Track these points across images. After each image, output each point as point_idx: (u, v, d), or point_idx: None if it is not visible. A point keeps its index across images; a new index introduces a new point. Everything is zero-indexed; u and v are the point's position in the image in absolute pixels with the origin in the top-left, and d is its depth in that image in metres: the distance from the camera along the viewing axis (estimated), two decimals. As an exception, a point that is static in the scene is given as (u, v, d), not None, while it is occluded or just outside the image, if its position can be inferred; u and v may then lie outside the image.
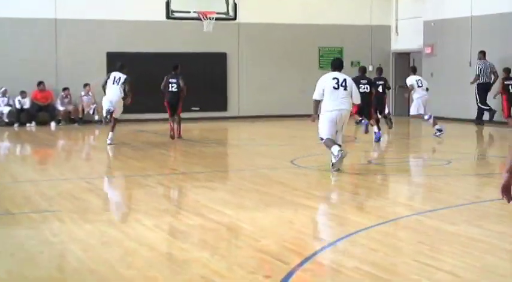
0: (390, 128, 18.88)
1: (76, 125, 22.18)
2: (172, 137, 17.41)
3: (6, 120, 21.85)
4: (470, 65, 21.99)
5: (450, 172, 11.99)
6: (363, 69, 17.40)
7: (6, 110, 21.88)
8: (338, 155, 11.31)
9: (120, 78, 16.56)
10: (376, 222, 7.75)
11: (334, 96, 11.52)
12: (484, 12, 21.89)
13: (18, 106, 21.97)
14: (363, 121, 17.57)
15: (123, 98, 16.64)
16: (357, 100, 11.97)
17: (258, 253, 6.54)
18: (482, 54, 21.15)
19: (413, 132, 20.60)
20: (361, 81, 16.46)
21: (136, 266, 6.13)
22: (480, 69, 21.05)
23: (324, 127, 11.56)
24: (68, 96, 22.38)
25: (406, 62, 25.70)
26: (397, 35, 26.08)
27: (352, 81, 12.03)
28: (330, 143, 11.49)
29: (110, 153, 15.50)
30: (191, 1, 19.60)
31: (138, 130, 20.39)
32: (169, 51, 23.21)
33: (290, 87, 24.43)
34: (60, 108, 22.31)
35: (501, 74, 20.36)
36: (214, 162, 13.71)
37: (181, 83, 17.42)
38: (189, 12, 19.78)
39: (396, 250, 6.65)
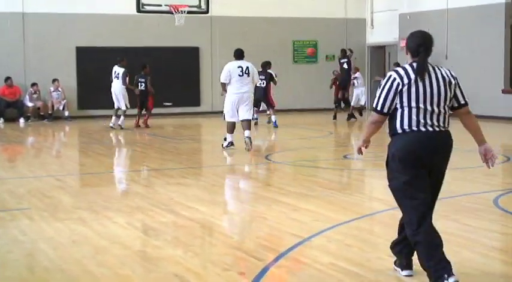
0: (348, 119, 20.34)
1: (45, 121, 21.90)
2: (137, 126, 19.28)
3: (-26, 117, 21.56)
4: (446, 58, 22.03)
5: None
6: (265, 64, 19.68)
7: (-27, 107, 21.58)
8: (227, 144, 14.01)
9: (118, 73, 18.96)
10: (352, 218, 7.69)
11: (239, 82, 13.73)
12: (460, 5, 21.95)
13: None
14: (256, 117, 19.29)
15: (127, 89, 19.05)
16: (257, 81, 14.65)
17: (231, 250, 6.45)
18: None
19: (387, 126, 20.62)
20: (260, 76, 17.42)
21: (108, 264, 6.01)
22: None
23: (228, 108, 13.94)
24: (37, 92, 22.10)
25: (382, 55, 25.75)
26: (372, 28, 26.11)
27: (253, 67, 14.18)
28: (229, 128, 13.97)
29: (81, 150, 15.29)
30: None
31: (109, 126, 20.16)
32: (140, 45, 23.03)
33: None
34: (29, 104, 22.02)
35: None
36: (188, 159, 13.58)
37: (148, 84, 19.17)
38: (160, 5, 19.63)
39: (372, 246, 6.59)
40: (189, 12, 20.02)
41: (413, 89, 5.18)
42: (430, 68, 5.26)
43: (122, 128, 18.95)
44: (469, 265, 5.92)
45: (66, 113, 22.32)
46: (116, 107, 19.26)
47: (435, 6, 22.85)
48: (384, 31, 25.28)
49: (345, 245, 6.52)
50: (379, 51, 25.94)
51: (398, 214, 7.93)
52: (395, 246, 5.78)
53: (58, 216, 7.91)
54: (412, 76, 5.18)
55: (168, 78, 22.97)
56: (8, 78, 21.65)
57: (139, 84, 19.16)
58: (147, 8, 19.76)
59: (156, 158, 13.83)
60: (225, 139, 14.16)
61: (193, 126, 21.28)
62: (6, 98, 21.73)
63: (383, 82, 5.35)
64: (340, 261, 6.01)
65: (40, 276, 5.80)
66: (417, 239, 5.28)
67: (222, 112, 20.75)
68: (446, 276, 5.06)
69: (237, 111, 13.82)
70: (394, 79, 5.22)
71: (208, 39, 24.16)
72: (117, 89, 19.05)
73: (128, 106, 19.19)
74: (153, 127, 19.51)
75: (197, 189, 9.82)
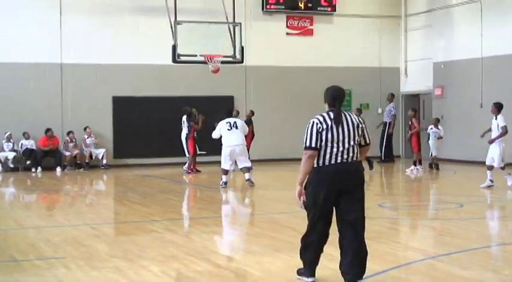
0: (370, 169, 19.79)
1: (82, 170, 22.08)
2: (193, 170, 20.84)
3: (12, 165, 21.80)
4: (481, 106, 21.89)
5: (463, 215, 11.83)
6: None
7: (11, 155, 21.82)
8: (221, 184, 16.00)
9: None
10: (388, 267, 7.60)
11: (229, 135, 15.88)
12: (494, 53, 21.85)
13: (22, 148, 21.87)
14: None
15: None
16: (245, 132, 16.65)
17: (267, 300, 6.39)
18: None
19: (424, 175, 20.44)
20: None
21: (142, 314, 5.98)
22: None
23: (223, 159, 16.05)
24: (73, 140, 22.33)
25: (416, 104, 25.66)
26: (406, 76, 26.08)
27: (242, 122, 16.61)
28: (223, 172, 16.02)
29: (116, 199, 15.38)
30: (197, 45, 19.66)
31: (145, 175, 20.29)
32: (176, 95, 23.24)
33: (299, 131, 24.17)
34: (66, 153, 22.24)
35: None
36: (223, 207, 13.55)
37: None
38: (195, 55, 19.82)
39: (409, 296, 6.48)
40: (224, 62, 20.19)
41: (329, 133, 6.61)
42: (344, 115, 6.70)
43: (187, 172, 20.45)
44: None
45: (104, 161, 22.48)
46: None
47: (469, 55, 22.78)
48: (418, 79, 25.23)
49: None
50: (413, 99, 25.86)
51: (436, 264, 7.85)
52: None
53: (94, 265, 7.94)
54: (329, 122, 6.65)
55: (203, 127, 23.12)
56: (48, 130, 21.93)
57: (185, 128, 20.63)
58: (183, 58, 19.98)
59: (191, 207, 13.85)
60: (221, 178, 16.09)
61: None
62: (46, 148, 21.98)
63: (308, 126, 6.72)
64: (377, 311, 5.92)
65: (76, 325, 5.80)
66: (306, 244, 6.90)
67: (257, 160, 20.96)
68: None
69: (236, 161, 16.06)
70: (316, 123, 6.67)
71: (242, 88, 24.33)
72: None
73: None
74: (188, 175, 19.61)
75: (232, 238, 9.79)
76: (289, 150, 23.45)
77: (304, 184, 6.76)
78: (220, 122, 16.15)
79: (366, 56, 25.56)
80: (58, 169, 21.93)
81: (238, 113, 21.38)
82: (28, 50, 22.01)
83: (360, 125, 6.76)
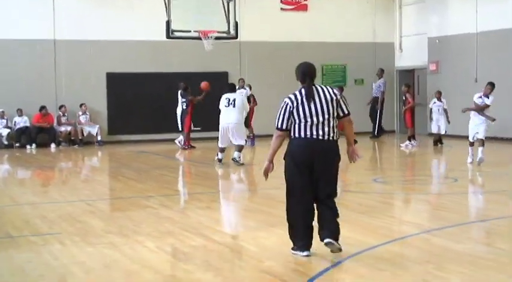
0: None
1: (76, 146, 22.06)
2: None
3: (6, 142, 21.75)
4: (476, 81, 21.88)
5: (457, 190, 11.87)
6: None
7: (5, 132, 21.77)
8: (216, 161, 15.90)
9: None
10: (383, 241, 7.63)
11: (225, 112, 15.69)
12: (489, 28, 21.80)
13: (16, 126, 21.83)
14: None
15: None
16: (246, 109, 16.74)
17: (262, 274, 6.43)
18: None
19: (418, 150, 20.47)
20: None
21: (138, 289, 6.02)
22: None
23: (220, 136, 15.80)
24: (65, 114, 22.27)
25: (411, 79, 25.63)
26: (401, 52, 26.04)
27: (242, 98, 16.23)
28: (220, 149, 15.89)
29: (111, 175, 15.39)
30: (191, 20, 19.56)
31: (139, 151, 20.29)
32: (169, 71, 23.18)
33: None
34: (61, 129, 22.20)
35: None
36: (218, 183, 13.58)
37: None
38: (189, 31, 19.72)
39: (404, 269, 6.52)
40: (218, 38, 20.09)
41: (300, 108, 6.80)
42: (316, 89, 6.87)
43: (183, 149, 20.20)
44: (502, 289, 5.85)
45: (99, 138, 22.46)
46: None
47: (464, 30, 22.73)
48: (413, 55, 25.19)
49: (376, 269, 6.47)
50: (408, 75, 25.84)
51: (430, 238, 7.89)
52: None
53: (89, 241, 7.96)
54: (299, 98, 6.85)
55: (197, 103, 23.08)
56: (43, 108, 21.86)
57: (182, 104, 20.39)
58: (177, 34, 19.87)
59: (186, 182, 13.87)
60: (217, 155, 16.00)
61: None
62: (40, 125, 21.94)
63: (280, 106, 6.94)
64: (371, 285, 5.97)
65: (72, 300, 5.83)
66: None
67: (249, 137, 20.94)
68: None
69: (230, 138, 15.70)
70: (286, 103, 6.91)
71: (237, 64, 24.27)
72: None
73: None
74: (182, 151, 19.63)
75: (227, 213, 9.82)
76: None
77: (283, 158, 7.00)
78: (222, 96, 16.02)
79: (360, 31, 25.48)
80: (52, 146, 21.91)
81: (243, 82, 21.59)
82: (21, 27, 21.89)
83: (335, 97, 6.87)
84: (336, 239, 6.80)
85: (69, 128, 22.32)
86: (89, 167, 18.38)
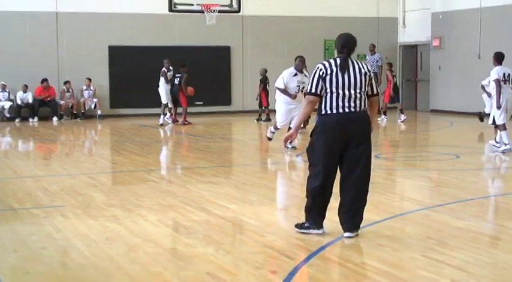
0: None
1: (78, 119, 22.09)
2: (174, 121, 20.40)
3: (8, 115, 21.75)
4: (479, 57, 21.80)
5: (459, 166, 11.88)
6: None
7: (7, 105, 21.76)
8: (269, 135, 14.33)
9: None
10: (383, 217, 7.65)
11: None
12: (493, 4, 21.67)
13: (19, 102, 21.85)
14: None
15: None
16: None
17: (263, 248, 6.45)
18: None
19: (420, 126, 20.48)
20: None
21: (140, 262, 6.05)
22: None
23: (283, 115, 14.01)
24: (70, 90, 22.27)
25: (414, 55, 25.54)
26: (404, 27, 25.90)
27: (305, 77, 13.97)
28: (276, 128, 14.26)
29: (113, 148, 15.40)
30: (194, -7, 19.49)
31: (141, 125, 20.30)
32: (172, 45, 23.11)
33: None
34: (61, 102, 22.20)
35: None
36: (219, 157, 13.61)
37: (182, 82, 20.00)
38: (192, 5, 19.65)
39: (404, 245, 6.54)
40: (220, 11, 20.02)
41: (333, 78, 6.56)
42: (351, 62, 6.69)
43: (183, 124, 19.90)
44: (503, 266, 5.87)
45: (99, 112, 22.47)
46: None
47: (468, 5, 22.60)
48: (416, 30, 25.05)
49: (376, 245, 6.49)
50: (411, 50, 25.74)
51: (431, 214, 7.90)
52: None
53: (91, 214, 7.99)
54: (334, 68, 6.60)
55: (199, 78, 23.03)
56: (44, 80, 21.84)
57: (175, 79, 20.09)
58: (179, 7, 19.81)
59: (188, 157, 13.88)
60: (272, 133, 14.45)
61: (224, 125, 21.32)
62: (42, 98, 21.92)
63: (313, 71, 6.67)
64: (372, 260, 5.99)
65: (74, 273, 5.86)
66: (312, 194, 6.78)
67: (254, 111, 20.91)
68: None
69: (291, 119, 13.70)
70: (320, 68, 6.63)
71: (239, 39, 24.17)
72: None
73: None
74: (184, 125, 19.62)
75: (229, 188, 9.84)
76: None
77: (311, 132, 6.80)
78: (291, 76, 14.08)
79: (363, 5, 25.33)
80: (55, 119, 21.92)
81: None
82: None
83: (368, 73, 6.71)
84: (358, 228, 6.77)
85: (71, 101, 22.31)
86: (91, 140, 18.40)
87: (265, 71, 20.98)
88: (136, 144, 15.68)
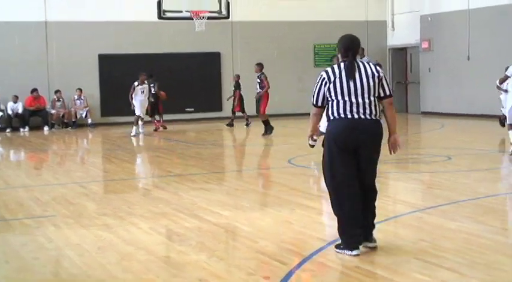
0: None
1: (69, 129, 22.05)
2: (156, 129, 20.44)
3: (-1, 125, 21.72)
4: (468, 59, 21.87)
5: (451, 168, 11.89)
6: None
7: (-3, 115, 21.74)
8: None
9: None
10: (376, 220, 7.63)
11: None
12: (481, 5, 21.75)
13: (10, 112, 21.79)
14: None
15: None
16: None
17: (256, 254, 6.44)
18: None
19: (411, 129, 20.51)
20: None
21: (133, 270, 6.02)
22: None
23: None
24: (60, 99, 22.23)
25: (403, 58, 25.60)
26: (393, 30, 25.96)
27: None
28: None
29: (104, 157, 15.36)
30: (183, 0, 19.46)
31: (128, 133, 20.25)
32: (162, 52, 23.10)
33: (286, 86, 24.15)
34: (53, 111, 22.15)
35: None
36: (211, 164, 13.60)
37: (156, 88, 20.58)
38: (181, 11, 19.63)
39: (397, 248, 6.53)
40: (209, 18, 20.02)
41: (337, 84, 6.11)
42: (358, 65, 6.17)
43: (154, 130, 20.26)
44: (496, 267, 5.86)
45: (89, 121, 22.44)
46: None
47: (456, 7, 22.68)
48: (405, 33, 25.13)
49: (370, 248, 6.47)
50: (401, 53, 25.81)
51: (424, 216, 7.90)
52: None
53: (83, 223, 7.95)
54: (337, 73, 6.14)
55: (190, 84, 23.05)
56: (34, 90, 21.79)
57: (152, 89, 20.27)
58: (168, 14, 19.78)
59: (179, 164, 13.86)
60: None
61: (215, 131, 21.31)
62: (32, 108, 21.87)
63: (316, 80, 6.25)
64: (365, 264, 5.97)
65: (66, 283, 5.84)
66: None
67: (243, 117, 20.88)
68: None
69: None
70: (322, 77, 6.21)
71: (229, 44, 24.19)
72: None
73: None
74: (175, 132, 19.59)
75: (220, 194, 9.82)
76: (280, 106, 23.32)
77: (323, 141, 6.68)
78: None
79: (352, 9, 25.38)
80: (46, 128, 21.87)
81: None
82: (12, 8, 21.77)
83: (377, 74, 6.19)
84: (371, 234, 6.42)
85: (62, 111, 22.27)
86: (82, 149, 18.35)
87: (238, 76, 21.10)
88: (127, 152, 15.65)
